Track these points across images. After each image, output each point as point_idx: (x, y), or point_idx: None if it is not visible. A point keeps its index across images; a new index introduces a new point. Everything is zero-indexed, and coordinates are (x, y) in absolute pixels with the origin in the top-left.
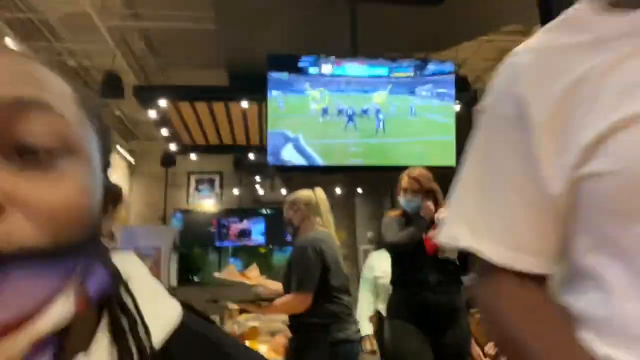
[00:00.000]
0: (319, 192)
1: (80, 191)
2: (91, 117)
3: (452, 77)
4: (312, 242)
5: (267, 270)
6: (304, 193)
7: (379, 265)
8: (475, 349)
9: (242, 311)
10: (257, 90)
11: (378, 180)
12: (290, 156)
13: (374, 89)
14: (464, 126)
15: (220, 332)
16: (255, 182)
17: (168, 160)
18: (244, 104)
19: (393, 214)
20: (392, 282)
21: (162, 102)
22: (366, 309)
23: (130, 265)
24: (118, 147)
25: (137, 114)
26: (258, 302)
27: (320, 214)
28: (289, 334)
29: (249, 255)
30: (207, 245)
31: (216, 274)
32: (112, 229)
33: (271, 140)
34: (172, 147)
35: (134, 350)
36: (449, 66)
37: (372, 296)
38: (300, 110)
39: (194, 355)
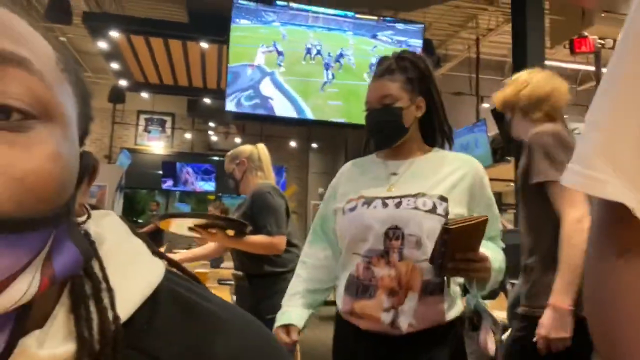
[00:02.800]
0: (262, 147)
1: (55, 159)
2: (72, 81)
3: (418, 28)
4: (272, 189)
5: None
6: (246, 147)
7: None
8: None
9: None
10: (219, 31)
11: (334, 135)
12: (267, 92)
13: (340, 28)
14: None
15: (204, 292)
16: (209, 128)
17: (117, 97)
18: (204, 44)
19: None
20: None
21: (114, 33)
22: None
23: (106, 226)
24: (85, 80)
25: (85, 43)
26: (215, 222)
27: (262, 169)
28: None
29: (197, 201)
30: (153, 188)
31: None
32: (85, 202)
33: (232, 82)
34: (122, 82)
35: (94, 319)
36: (418, 27)
37: None
38: (267, 43)
39: (166, 322)
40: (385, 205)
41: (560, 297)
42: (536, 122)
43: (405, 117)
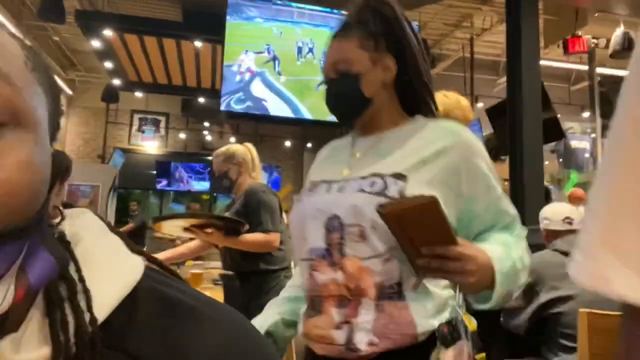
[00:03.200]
0: (252, 147)
1: (26, 168)
2: (42, 81)
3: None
4: (266, 187)
5: None
6: (239, 147)
7: None
8: None
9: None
10: (213, 30)
11: (329, 135)
12: (259, 92)
13: (327, 24)
14: None
15: (184, 288)
16: (204, 128)
17: (110, 96)
18: (198, 43)
19: None
20: None
21: (108, 32)
22: None
23: (82, 225)
24: (55, 77)
25: (78, 42)
26: (211, 222)
27: (255, 169)
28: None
29: (191, 201)
30: (148, 188)
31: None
32: (58, 204)
33: (226, 81)
34: (116, 82)
35: (70, 321)
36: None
37: None
38: (262, 39)
39: (146, 320)
40: (328, 190)
41: None
42: None
43: (365, 84)
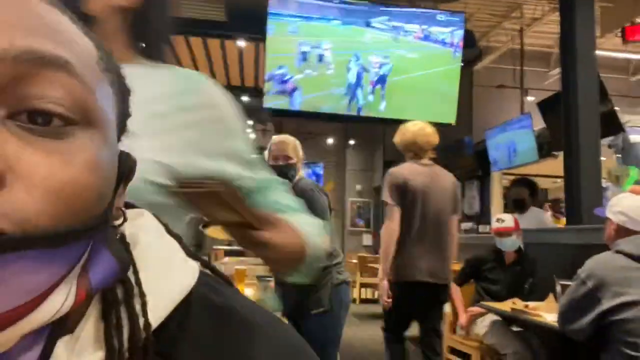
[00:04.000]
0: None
1: (94, 168)
2: (113, 81)
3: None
4: (315, 186)
5: None
6: (296, 141)
7: None
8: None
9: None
10: (256, 29)
11: (371, 132)
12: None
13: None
14: (464, 84)
15: (237, 297)
16: (248, 126)
17: None
18: (241, 42)
19: None
20: None
21: None
22: None
23: (140, 227)
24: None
25: None
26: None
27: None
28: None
29: None
30: None
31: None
32: (121, 205)
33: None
34: None
35: (125, 325)
36: (459, 18)
37: None
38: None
39: (199, 329)
40: None
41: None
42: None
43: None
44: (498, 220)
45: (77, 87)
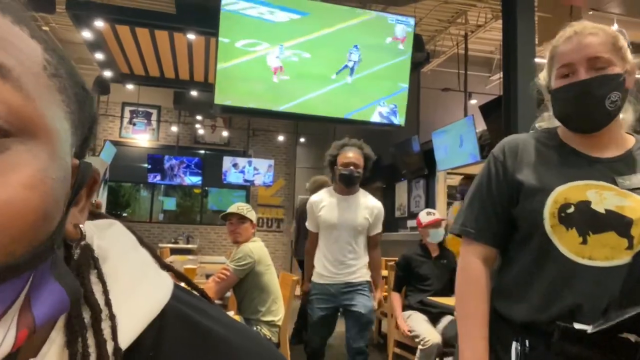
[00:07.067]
0: None
1: (34, 186)
2: (64, 86)
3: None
4: None
5: (203, 212)
6: None
7: None
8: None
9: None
10: (207, 23)
11: (321, 129)
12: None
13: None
14: (413, 86)
15: (212, 312)
16: (196, 121)
17: (101, 88)
18: (191, 35)
19: None
20: None
21: (99, 23)
22: None
23: (111, 238)
24: (84, 83)
25: (69, 32)
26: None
27: None
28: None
29: (183, 195)
30: (138, 182)
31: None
32: (79, 222)
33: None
34: (107, 73)
35: (92, 350)
36: (409, 21)
37: None
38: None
39: (174, 348)
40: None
41: None
42: None
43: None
44: (429, 213)
45: (13, 95)
